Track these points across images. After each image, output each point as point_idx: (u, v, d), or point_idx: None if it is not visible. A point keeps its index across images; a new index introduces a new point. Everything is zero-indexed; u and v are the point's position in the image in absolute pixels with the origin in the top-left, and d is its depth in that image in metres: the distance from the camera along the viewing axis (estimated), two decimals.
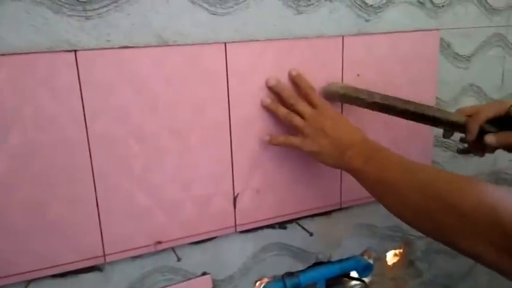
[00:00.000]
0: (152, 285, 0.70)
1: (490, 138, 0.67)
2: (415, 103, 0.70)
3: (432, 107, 0.71)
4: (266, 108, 0.70)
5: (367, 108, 0.71)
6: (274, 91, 0.70)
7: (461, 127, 0.70)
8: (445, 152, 0.93)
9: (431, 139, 0.88)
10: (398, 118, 0.71)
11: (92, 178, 0.61)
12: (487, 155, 0.73)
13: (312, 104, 0.68)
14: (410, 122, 0.71)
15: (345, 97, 0.72)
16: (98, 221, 0.63)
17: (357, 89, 0.72)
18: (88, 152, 0.60)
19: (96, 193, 0.62)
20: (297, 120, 0.67)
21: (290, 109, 0.68)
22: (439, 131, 0.79)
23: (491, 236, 0.45)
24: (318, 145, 0.66)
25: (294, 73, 0.71)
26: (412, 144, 0.85)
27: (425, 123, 0.71)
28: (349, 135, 0.66)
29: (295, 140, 0.68)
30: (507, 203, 0.46)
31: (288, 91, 0.70)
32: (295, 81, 0.71)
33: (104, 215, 0.63)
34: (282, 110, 0.69)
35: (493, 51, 0.93)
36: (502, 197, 0.47)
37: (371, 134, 0.69)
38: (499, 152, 0.71)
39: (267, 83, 0.69)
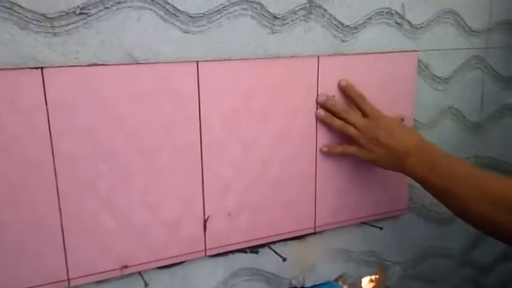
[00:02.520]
0: None
1: None
2: None
3: None
4: (322, 120, 0.78)
5: None
6: (325, 107, 0.78)
7: None
8: None
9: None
10: None
11: (57, 199, 0.63)
12: None
13: (363, 113, 0.76)
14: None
15: None
16: (62, 243, 0.64)
17: None
18: (53, 172, 0.62)
19: (60, 215, 0.63)
20: (352, 130, 0.76)
21: (344, 121, 0.76)
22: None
23: None
24: (374, 154, 0.75)
25: (343, 83, 0.78)
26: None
27: None
28: (405, 142, 0.73)
29: (353, 149, 0.77)
30: None
31: (339, 105, 0.77)
32: (345, 92, 0.78)
33: (68, 237, 0.64)
34: (337, 122, 0.77)
35: (472, 73, 0.98)
36: None
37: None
38: None
39: (317, 100, 0.78)
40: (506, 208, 0.60)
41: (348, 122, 0.77)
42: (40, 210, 0.62)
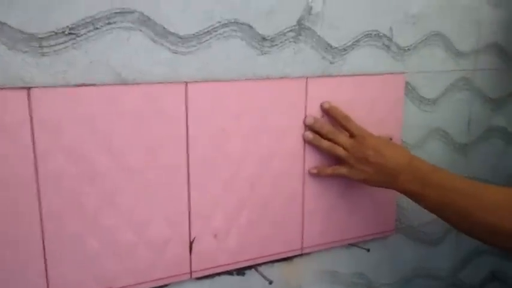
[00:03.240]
0: None
1: None
2: None
3: None
4: (310, 143, 0.79)
5: None
6: (313, 129, 0.79)
7: None
8: None
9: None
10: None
11: (40, 219, 0.63)
12: None
13: (350, 134, 0.78)
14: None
15: None
16: (44, 265, 0.64)
17: None
18: (37, 192, 0.62)
19: (43, 235, 0.63)
20: (341, 151, 0.77)
21: (332, 142, 0.78)
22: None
23: None
24: (365, 174, 0.76)
25: (326, 106, 0.80)
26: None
27: None
28: (394, 160, 0.75)
29: (343, 170, 0.78)
30: None
31: (327, 127, 0.79)
32: (329, 114, 0.80)
33: (50, 258, 0.64)
34: (325, 144, 0.79)
35: (460, 95, 1.01)
36: None
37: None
38: None
39: (304, 122, 0.79)
40: (509, 214, 0.62)
41: (336, 143, 0.78)
42: (22, 230, 0.62)
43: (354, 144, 0.78)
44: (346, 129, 0.79)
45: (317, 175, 0.81)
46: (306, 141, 0.80)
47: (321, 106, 0.80)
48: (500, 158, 1.12)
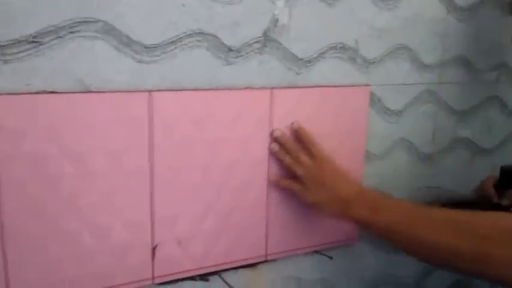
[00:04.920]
0: None
1: (505, 201, 0.90)
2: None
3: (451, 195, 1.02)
4: (274, 154, 0.80)
5: None
6: (278, 142, 0.80)
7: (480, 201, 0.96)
8: None
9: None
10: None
11: (0, 222, 0.63)
12: None
13: (311, 156, 0.78)
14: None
15: None
16: (4, 268, 0.64)
17: None
18: None
19: (2, 238, 0.63)
20: (300, 170, 0.78)
21: (294, 160, 0.78)
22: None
23: None
24: (317, 197, 0.77)
25: (295, 126, 0.81)
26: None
27: None
28: (348, 188, 0.77)
29: (297, 187, 0.79)
30: None
31: (291, 143, 0.80)
32: (296, 134, 0.81)
33: (11, 262, 0.64)
34: (288, 160, 0.79)
35: (425, 107, 1.03)
36: None
37: None
38: None
39: (271, 134, 0.80)
40: (463, 229, 0.62)
41: (297, 162, 0.79)
42: None
43: (313, 166, 0.78)
44: (309, 152, 0.80)
45: (275, 183, 0.82)
46: (271, 152, 0.81)
47: (291, 126, 0.82)
48: (465, 169, 1.14)
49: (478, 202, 0.96)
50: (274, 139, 0.81)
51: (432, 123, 1.05)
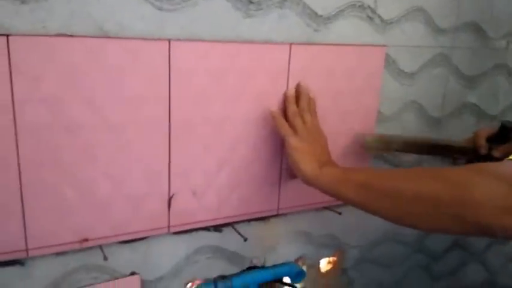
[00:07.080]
0: (76, 283, 0.68)
1: (495, 153, 0.84)
2: (433, 139, 0.91)
3: (443, 139, 0.92)
4: (272, 118, 0.75)
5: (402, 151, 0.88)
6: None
7: (469, 150, 0.89)
8: (384, 165, 0.95)
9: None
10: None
11: (18, 168, 0.58)
12: None
13: (314, 119, 0.75)
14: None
15: (379, 148, 0.87)
16: (22, 213, 0.60)
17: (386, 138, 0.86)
18: (15, 141, 0.58)
19: (21, 184, 0.59)
20: (299, 122, 0.73)
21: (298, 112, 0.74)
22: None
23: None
24: (300, 145, 0.71)
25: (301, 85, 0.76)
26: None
27: (441, 154, 0.91)
28: (330, 159, 0.74)
29: (287, 130, 0.72)
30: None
31: (304, 100, 0.75)
32: (298, 95, 0.76)
33: (28, 207, 0.60)
34: (293, 108, 0.74)
35: (437, 70, 0.97)
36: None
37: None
38: None
39: (285, 93, 0.76)
40: (438, 177, 0.57)
41: (300, 116, 0.74)
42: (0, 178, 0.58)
43: (312, 125, 0.74)
44: (314, 116, 0.76)
45: (270, 113, 0.75)
46: (271, 117, 0.75)
47: (297, 85, 0.77)
48: (470, 134, 1.09)
49: (467, 151, 0.89)
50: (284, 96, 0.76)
51: (443, 87, 1.00)
